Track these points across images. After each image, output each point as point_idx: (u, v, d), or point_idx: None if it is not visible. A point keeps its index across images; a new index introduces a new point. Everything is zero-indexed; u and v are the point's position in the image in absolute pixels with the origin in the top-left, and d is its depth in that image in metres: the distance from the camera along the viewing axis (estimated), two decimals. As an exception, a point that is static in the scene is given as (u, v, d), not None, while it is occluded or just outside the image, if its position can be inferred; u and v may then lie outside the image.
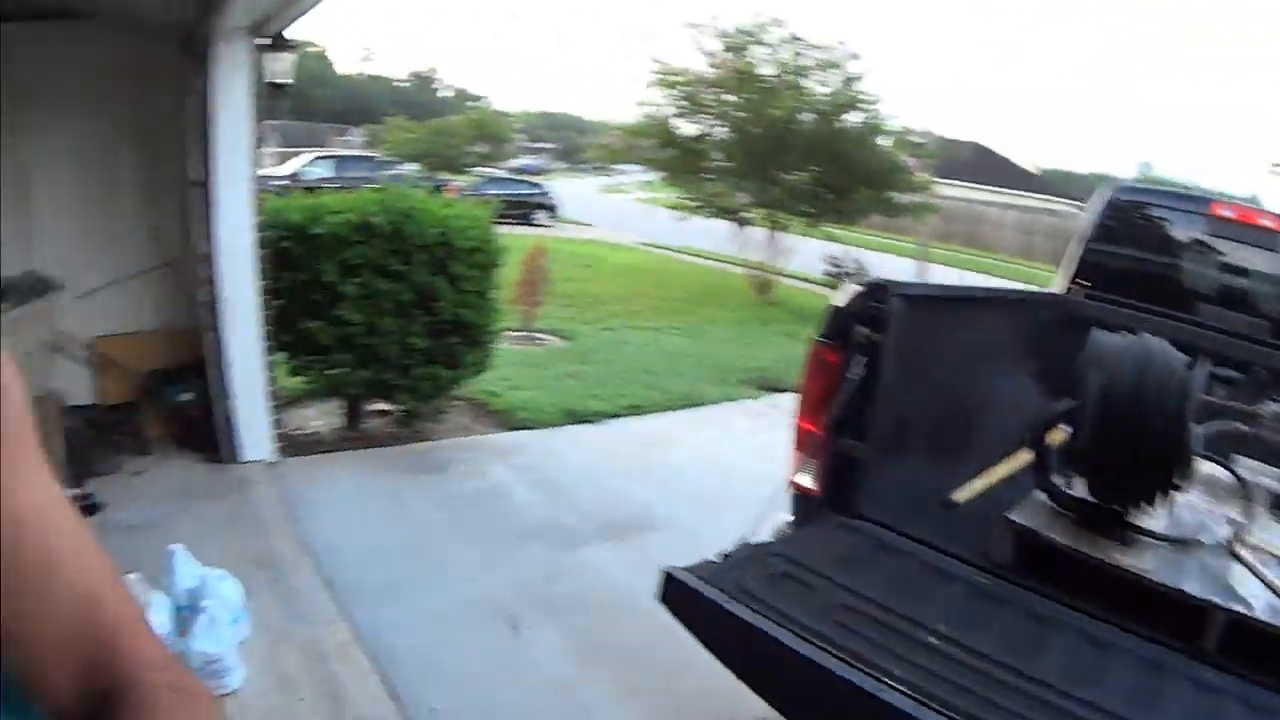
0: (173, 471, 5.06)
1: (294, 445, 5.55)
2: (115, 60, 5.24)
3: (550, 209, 25.29)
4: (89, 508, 4.35)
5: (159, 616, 2.95)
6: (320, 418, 6.14)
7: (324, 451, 5.61)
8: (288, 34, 5.22)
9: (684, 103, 15.18)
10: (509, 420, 6.48)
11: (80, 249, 5.36)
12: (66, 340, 5.11)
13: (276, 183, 17.81)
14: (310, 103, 43.79)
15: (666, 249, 20.32)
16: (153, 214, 5.48)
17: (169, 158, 5.31)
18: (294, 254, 5.39)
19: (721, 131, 15.29)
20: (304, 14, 4.91)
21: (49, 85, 5.21)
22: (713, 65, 14.92)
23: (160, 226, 5.48)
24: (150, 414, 5.37)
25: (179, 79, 5.06)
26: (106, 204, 5.43)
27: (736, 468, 5.52)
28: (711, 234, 16.94)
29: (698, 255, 19.10)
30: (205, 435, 5.18)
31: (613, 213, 29.57)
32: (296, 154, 24.66)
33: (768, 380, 8.33)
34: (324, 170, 20.89)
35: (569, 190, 32.63)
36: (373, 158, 25.18)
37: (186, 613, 3.11)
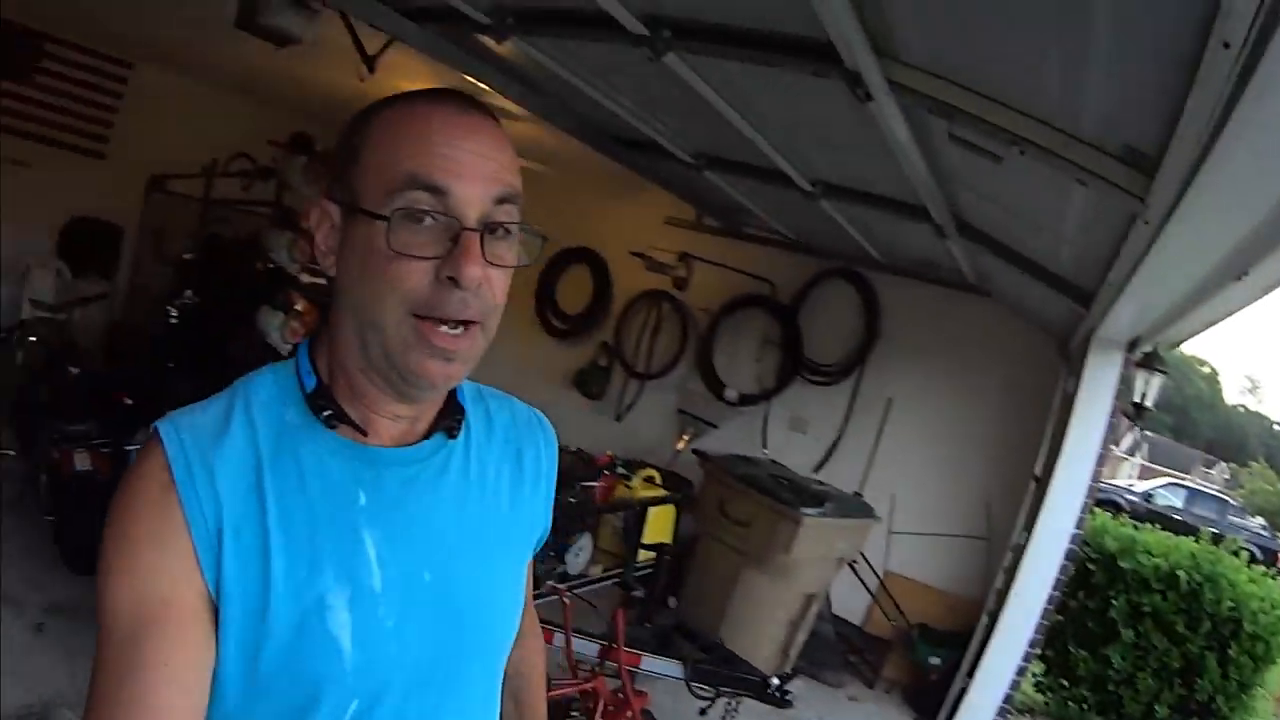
0: (881, 715, 5.25)
1: (1001, 750, 5.23)
2: (997, 336, 5.78)
3: None
4: (783, 700, 4.69)
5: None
6: (1040, 737, 5.75)
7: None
8: (1163, 354, 5.08)
9: None
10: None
11: (908, 489, 5.94)
12: (861, 562, 5.62)
13: (1128, 497, 17.54)
14: (1190, 423, 41.69)
15: None
16: (987, 487, 5.77)
17: (1021, 442, 5.56)
18: (1094, 578, 5.29)
19: None
20: (1183, 339, 4.78)
21: (929, 335, 6.02)
22: None
23: (989, 502, 5.75)
24: (895, 658, 5.63)
25: (1052, 373, 5.32)
26: (946, 460, 5.93)
27: None
28: None
29: None
30: (931, 701, 5.22)
31: None
32: (1158, 471, 23.85)
33: None
34: (1174, 499, 19.70)
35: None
36: (1225, 500, 22.75)
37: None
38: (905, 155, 3.05)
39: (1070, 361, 5.04)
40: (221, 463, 0.88)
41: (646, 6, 2.71)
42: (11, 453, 4.64)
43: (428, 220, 0.86)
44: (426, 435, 1.00)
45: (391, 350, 0.88)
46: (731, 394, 6.75)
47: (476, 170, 0.88)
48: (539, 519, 1.12)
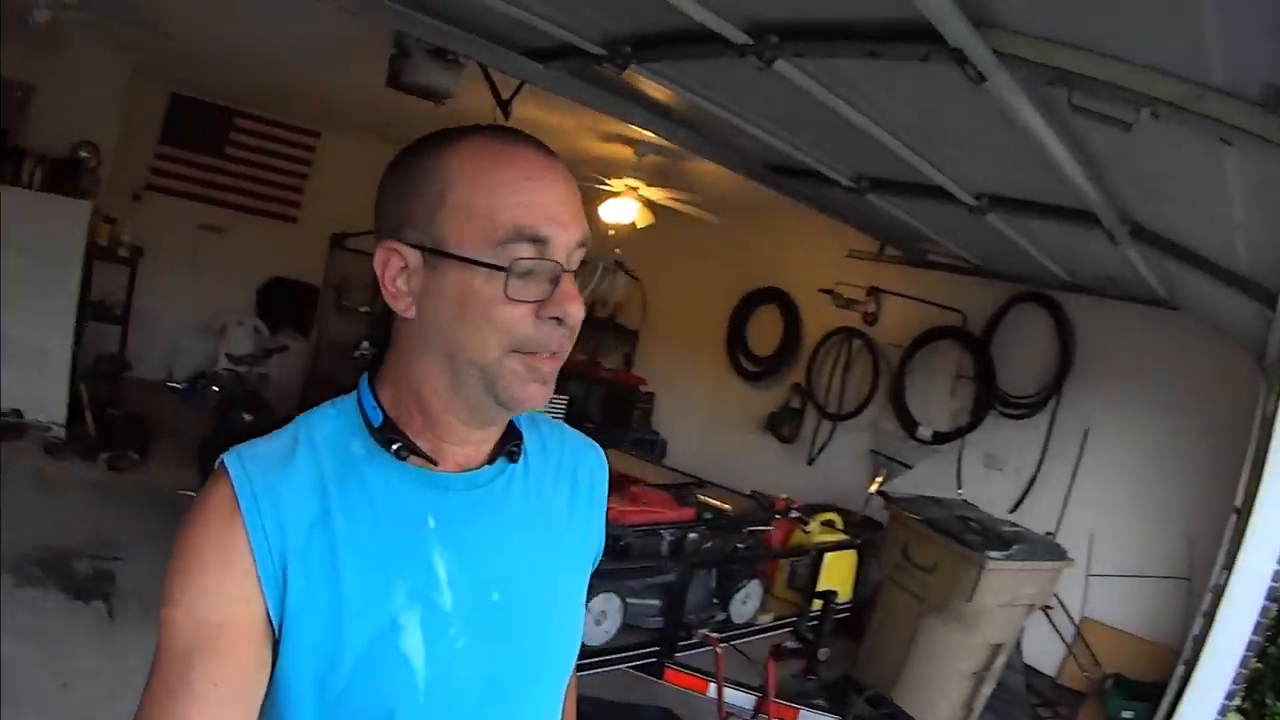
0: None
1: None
2: (1192, 352, 5.32)
3: None
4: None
5: None
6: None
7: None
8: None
9: None
10: None
11: (1107, 527, 5.48)
12: (1056, 608, 5.21)
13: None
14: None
15: None
16: (1190, 522, 5.25)
17: (1225, 470, 4.97)
18: (1304, 620, 4.60)
19: None
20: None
21: (1122, 357, 5.61)
22: None
23: (1192, 539, 5.22)
24: (1088, 712, 5.19)
25: (1252, 391, 4.79)
26: (1147, 493, 5.45)
27: None
28: None
29: None
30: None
31: None
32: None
33: None
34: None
35: None
36: None
37: None
38: (1042, 144, 2.84)
39: (1269, 377, 4.49)
40: (287, 490, 0.91)
41: (747, 14, 2.67)
42: (193, 493, 5.03)
43: (525, 263, 0.90)
44: (489, 461, 1.02)
45: (496, 384, 0.92)
46: (925, 432, 6.49)
47: (568, 217, 0.93)
48: (595, 537, 1.15)
